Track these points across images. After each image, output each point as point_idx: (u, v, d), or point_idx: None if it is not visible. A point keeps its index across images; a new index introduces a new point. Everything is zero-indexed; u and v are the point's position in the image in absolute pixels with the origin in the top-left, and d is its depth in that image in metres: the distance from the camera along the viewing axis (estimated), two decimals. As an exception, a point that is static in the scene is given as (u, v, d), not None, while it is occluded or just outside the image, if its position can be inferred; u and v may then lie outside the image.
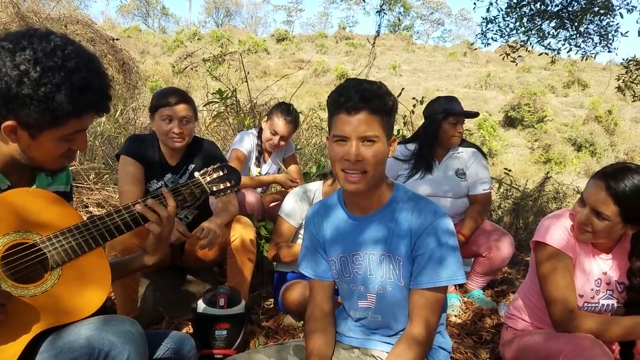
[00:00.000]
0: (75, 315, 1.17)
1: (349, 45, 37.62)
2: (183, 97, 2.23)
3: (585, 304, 1.68)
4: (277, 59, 31.80)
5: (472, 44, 9.97)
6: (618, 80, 6.29)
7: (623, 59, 6.19)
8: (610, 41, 5.79)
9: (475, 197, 2.88)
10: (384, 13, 6.65)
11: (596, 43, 5.89)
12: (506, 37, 6.18)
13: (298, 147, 5.16)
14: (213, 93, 4.63)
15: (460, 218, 2.88)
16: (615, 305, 1.69)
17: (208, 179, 1.47)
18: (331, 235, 1.49)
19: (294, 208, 2.40)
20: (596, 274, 1.68)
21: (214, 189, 1.47)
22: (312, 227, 1.53)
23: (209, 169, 1.49)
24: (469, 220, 2.80)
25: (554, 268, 1.64)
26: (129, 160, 2.21)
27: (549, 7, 5.65)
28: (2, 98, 1.04)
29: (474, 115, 2.92)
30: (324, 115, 7.78)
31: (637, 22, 5.25)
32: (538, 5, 5.65)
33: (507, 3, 5.81)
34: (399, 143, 1.35)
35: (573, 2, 5.59)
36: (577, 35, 5.84)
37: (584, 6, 5.47)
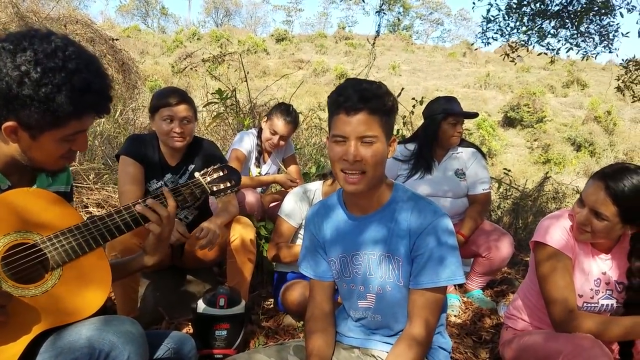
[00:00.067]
0: (76, 316, 1.17)
1: (348, 45, 37.63)
2: (183, 97, 2.23)
3: (585, 304, 1.69)
4: (276, 59, 31.81)
5: (472, 44, 9.99)
6: (618, 80, 6.29)
7: (622, 60, 6.20)
8: (611, 41, 5.79)
9: (474, 197, 2.88)
10: (384, 13, 6.64)
11: (597, 43, 5.89)
12: (506, 36, 6.19)
13: (298, 147, 5.16)
14: (213, 93, 4.63)
15: (460, 218, 2.88)
16: (615, 305, 1.70)
17: (208, 179, 1.47)
18: (331, 235, 1.49)
19: (293, 208, 2.40)
20: (595, 274, 1.69)
21: (214, 189, 1.47)
22: (312, 228, 1.54)
23: (209, 169, 1.49)
24: (469, 220, 2.80)
25: (554, 268, 1.64)
26: (129, 161, 2.21)
27: (549, 7, 5.65)
28: (3, 99, 1.05)
29: (474, 115, 2.92)
30: (324, 115, 7.79)
31: (637, 22, 5.25)
32: (538, 4, 5.65)
33: (507, 3, 5.82)
34: (398, 143, 1.35)
35: (573, 2, 5.59)
36: (578, 35, 5.84)
37: (584, 5, 5.48)
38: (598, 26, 5.78)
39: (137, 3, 54.50)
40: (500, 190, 5.56)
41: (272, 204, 3.12)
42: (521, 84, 28.41)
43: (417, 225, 1.35)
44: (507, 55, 6.26)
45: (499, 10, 5.92)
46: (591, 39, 5.91)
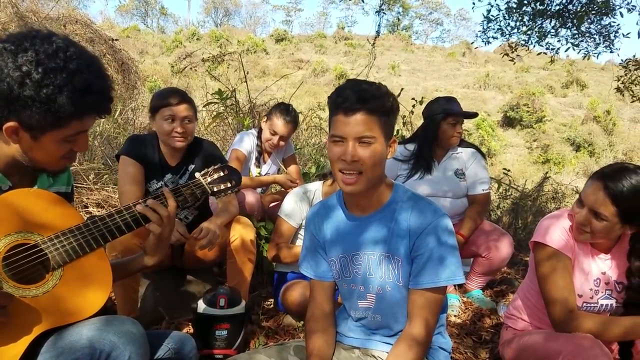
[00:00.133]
0: (77, 316, 1.17)
1: (347, 46, 37.61)
2: (184, 97, 2.23)
3: (584, 304, 1.69)
4: (276, 59, 31.79)
5: (472, 43, 9.99)
6: (617, 81, 6.30)
7: (622, 60, 6.21)
8: (612, 41, 5.80)
9: (474, 197, 2.89)
10: (383, 13, 6.64)
11: (598, 43, 5.90)
12: (507, 36, 6.19)
13: (297, 147, 5.16)
14: (213, 93, 4.63)
15: (460, 218, 2.88)
16: (614, 305, 1.70)
17: (209, 179, 1.47)
18: (331, 235, 1.49)
19: (293, 208, 2.40)
20: (595, 274, 1.69)
21: (215, 189, 1.47)
22: (312, 228, 1.54)
23: (209, 169, 1.49)
24: (468, 220, 2.80)
25: (553, 268, 1.64)
26: (129, 161, 2.21)
27: (550, 7, 5.66)
28: (4, 99, 1.05)
29: (473, 115, 2.92)
30: (323, 115, 7.80)
31: (637, 23, 5.26)
32: (538, 4, 5.65)
33: (507, 4, 5.82)
34: (398, 143, 1.35)
35: (574, 1, 5.60)
36: (579, 35, 5.85)
37: (584, 5, 5.48)
38: (599, 26, 5.79)
39: (136, 3, 54.46)
40: (500, 190, 5.57)
41: (272, 204, 3.13)
42: (520, 84, 28.41)
43: (417, 225, 1.35)
44: (507, 54, 6.27)
45: (499, 10, 5.93)
46: (592, 39, 5.91)
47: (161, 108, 2.20)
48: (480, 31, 6.28)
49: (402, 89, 5.61)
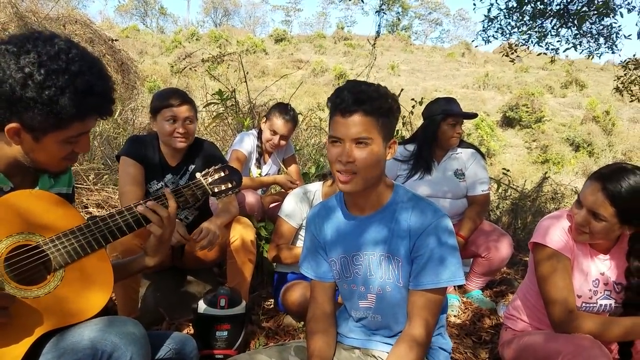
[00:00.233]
0: (78, 317, 1.18)
1: (347, 46, 37.60)
2: (185, 98, 2.24)
3: (584, 304, 1.69)
4: (275, 59, 31.77)
5: (472, 41, 10.01)
6: (616, 81, 6.31)
7: (621, 60, 6.22)
8: (614, 42, 5.80)
9: (474, 197, 2.89)
10: (383, 13, 6.64)
11: (600, 44, 5.91)
12: (507, 35, 6.20)
13: (297, 147, 5.17)
14: (213, 94, 4.63)
15: (459, 219, 2.89)
16: (613, 305, 1.71)
17: (209, 180, 1.47)
18: (331, 236, 1.50)
19: (294, 209, 2.41)
20: (594, 274, 1.70)
21: (216, 190, 1.47)
22: (312, 228, 1.54)
23: (210, 169, 1.49)
24: (468, 221, 2.81)
25: (553, 269, 1.65)
26: (130, 161, 2.21)
27: (550, 6, 5.66)
28: (6, 101, 1.05)
29: (473, 116, 2.93)
30: (323, 115, 7.80)
31: (636, 24, 5.27)
32: (538, 4, 5.66)
33: (506, 4, 5.83)
34: (398, 144, 1.35)
35: (575, 1, 5.60)
36: (580, 35, 5.85)
37: (584, 5, 5.48)
38: (600, 26, 5.80)
39: (135, 3, 54.44)
40: (499, 190, 5.57)
41: (272, 205, 3.13)
42: (520, 84, 28.42)
43: (417, 225, 1.35)
44: (507, 55, 6.28)
45: (500, 10, 5.94)
46: (593, 39, 5.92)
47: (162, 109, 2.20)
48: (480, 30, 6.29)
49: (401, 89, 5.61)
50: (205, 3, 61.34)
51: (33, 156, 1.17)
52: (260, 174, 3.19)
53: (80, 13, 8.90)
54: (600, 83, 29.47)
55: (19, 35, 1.08)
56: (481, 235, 2.82)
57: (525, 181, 6.74)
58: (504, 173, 5.39)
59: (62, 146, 1.16)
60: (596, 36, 5.89)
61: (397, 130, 5.06)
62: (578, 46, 5.95)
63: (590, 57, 6.09)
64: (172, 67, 18.77)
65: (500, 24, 6.08)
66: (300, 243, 2.47)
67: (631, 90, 6.38)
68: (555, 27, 5.89)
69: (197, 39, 33.46)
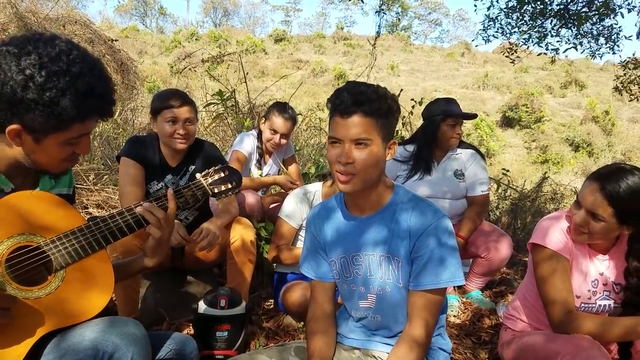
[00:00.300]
0: (79, 317, 1.18)
1: (347, 46, 37.60)
2: (185, 99, 2.24)
3: (582, 305, 1.70)
4: (275, 59, 31.77)
5: (472, 41, 10.02)
6: (616, 80, 6.31)
7: (621, 60, 6.22)
8: (614, 43, 5.81)
9: (473, 198, 2.90)
10: (383, 13, 6.65)
11: (601, 44, 5.92)
12: (507, 35, 6.21)
13: (297, 148, 5.17)
14: (213, 94, 4.64)
15: (459, 219, 2.89)
16: (613, 305, 1.71)
17: (209, 180, 1.47)
18: (331, 236, 1.50)
19: (294, 209, 2.41)
20: (593, 275, 1.70)
21: (215, 190, 1.48)
22: (312, 229, 1.55)
23: (210, 170, 1.50)
24: (467, 221, 2.81)
25: (552, 270, 1.65)
26: (130, 162, 2.22)
27: (550, 6, 5.67)
28: (7, 102, 1.05)
29: (472, 117, 2.93)
30: (323, 115, 7.80)
31: (635, 25, 5.28)
32: (538, 3, 5.66)
33: (506, 3, 5.84)
34: (398, 144, 1.36)
35: (576, 1, 5.61)
36: (581, 36, 5.86)
37: (585, 5, 5.49)
38: (600, 27, 5.80)
39: (135, 3, 54.42)
40: (499, 190, 5.58)
41: (272, 205, 3.13)
42: (519, 84, 28.43)
43: (417, 226, 1.36)
44: (508, 56, 6.28)
45: (500, 10, 5.95)
46: (594, 40, 5.93)
47: (163, 110, 2.21)
48: (481, 30, 6.30)
49: (401, 89, 5.61)
50: (205, 3, 61.38)
51: (34, 157, 1.17)
52: (261, 175, 3.19)
53: (80, 13, 8.90)
54: (600, 83, 29.49)
55: (19, 37, 1.09)
56: (481, 235, 2.82)
57: (524, 181, 6.75)
58: (503, 173, 5.40)
59: (62, 147, 1.17)
60: (597, 37, 5.90)
61: (397, 131, 5.06)
62: (579, 46, 5.96)
63: (592, 57, 6.09)
64: (172, 67, 18.78)
65: (500, 24, 6.10)
66: (300, 244, 2.48)
67: (630, 90, 6.39)
68: (555, 27, 5.90)
69: (196, 39, 33.46)
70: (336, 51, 36.71)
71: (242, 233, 2.23)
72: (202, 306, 1.99)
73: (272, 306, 2.63)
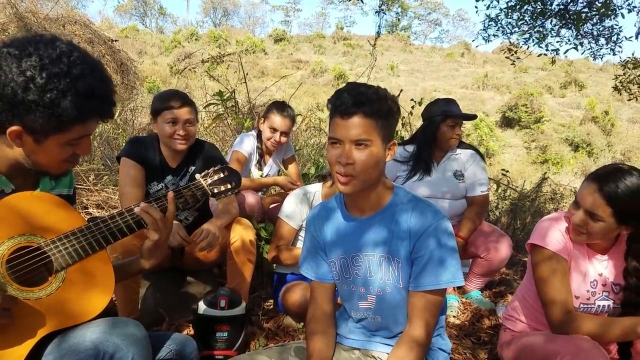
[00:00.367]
0: (80, 318, 1.18)
1: (346, 46, 37.59)
2: (185, 100, 2.25)
3: (582, 305, 1.70)
4: (274, 59, 31.76)
5: (472, 41, 10.06)
6: (615, 79, 6.32)
7: (620, 59, 6.23)
8: (615, 44, 5.81)
9: (473, 198, 2.90)
10: (383, 13, 6.65)
11: (602, 44, 5.92)
12: (508, 34, 6.21)
13: (297, 148, 5.17)
14: (213, 95, 4.64)
15: (459, 219, 2.89)
16: (612, 306, 1.71)
17: (209, 180, 1.48)
18: (331, 237, 1.50)
19: (294, 210, 2.41)
20: (592, 275, 1.70)
21: (215, 190, 1.48)
22: (312, 229, 1.55)
23: (209, 170, 1.50)
24: (467, 221, 2.81)
25: (551, 271, 1.65)
26: (130, 163, 2.22)
27: (550, 6, 5.67)
28: (8, 104, 1.06)
29: (472, 117, 2.94)
30: (322, 115, 7.81)
31: (634, 25, 5.29)
32: (538, 4, 5.67)
33: (506, 3, 5.85)
34: (397, 144, 1.37)
35: (575, 1, 5.61)
36: (581, 36, 5.86)
37: (585, 5, 5.49)
38: (601, 27, 5.80)
39: (135, 3, 54.39)
40: (499, 191, 5.58)
41: (272, 206, 3.13)
42: (519, 84, 28.42)
43: (417, 227, 1.36)
44: (508, 57, 6.29)
45: (500, 10, 5.96)
46: (594, 40, 5.93)
47: (163, 111, 2.21)
48: (481, 29, 6.31)
49: (401, 89, 5.62)
50: (205, 3, 61.35)
51: (34, 158, 1.18)
52: (261, 175, 3.20)
53: (80, 13, 8.91)
54: (600, 83, 29.49)
55: (20, 39, 1.09)
56: (480, 236, 2.83)
57: (524, 181, 6.76)
58: (503, 174, 5.40)
59: (63, 148, 1.17)
60: (597, 37, 5.90)
61: (397, 131, 5.06)
62: (579, 47, 5.96)
63: (594, 58, 6.09)
64: (172, 67, 18.78)
65: (500, 24, 6.10)
66: (300, 244, 2.48)
67: (630, 89, 6.39)
68: (555, 27, 5.90)
69: (196, 39, 33.44)
70: (336, 51, 36.70)
71: (242, 233, 2.23)
72: (202, 307, 2.00)
73: (271, 306, 2.63)
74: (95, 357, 1.10)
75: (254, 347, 2.18)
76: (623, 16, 5.47)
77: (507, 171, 5.48)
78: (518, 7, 5.75)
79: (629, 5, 5.52)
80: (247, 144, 3.10)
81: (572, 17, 5.58)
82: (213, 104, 4.74)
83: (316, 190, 2.48)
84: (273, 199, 3.18)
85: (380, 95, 1.31)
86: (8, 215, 1.15)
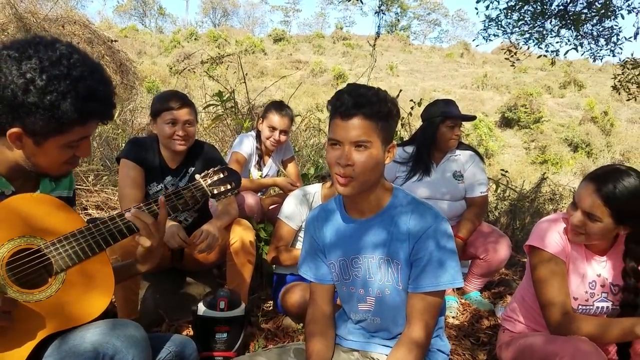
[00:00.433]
0: (80, 320, 1.19)
1: (346, 46, 37.58)
2: (185, 100, 2.25)
3: (580, 307, 1.70)
4: (274, 59, 31.75)
5: (473, 40, 10.07)
6: (614, 79, 6.32)
7: (620, 59, 6.23)
8: (615, 45, 5.81)
9: (472, 199, 2.90)
10: (383, 14, 6.65)
11: (602, 45, 5.92)
12: (508, 34, 6.21)
13: (296, 148, 5.17)
14: (212, 95, 4.64)
15: (458, 220, 2.90)
16: (610, 307, 1.71)
17: (209, 181, 1.48)
18: (331, 238, 1.50)
19: (294, 211, 2.42)
20: (590, 276, 1.70)
21: (215, 191, 1.48)
22: (312, 231, 1.55)
23: (209, 171, 1.50)
24: (467, 222, 2.81)
25: (549, 272, 1.66)
26: (130, 164, 2.22)
27: (549, 7, 5.67)
28: (8, 106, 1.06)
29: (471, 119, 2.94)
30: (322, 116, 7.80)
31: (633, 25, 5.29)
32: (538, 4, 5.67)
33: (506, 3, 5.85)
34: (397, 145, 1.37)
35: (575, 1, 5.61)
36: (581, 37, 5.87)
37: (585, 6, 5.50)
38: (601, 28, 5.81)
39: (134, 3, 54.32)
40: (498, 191, 5.59)
41: (271, 207, 3.14)
42: (518, 84, 28.43)
43: (417, 228, 1.36)
44: (508, 58, 6.29)
45: (500, 10, 5.96)
46: (594, 41, 5.93)
47: (162, 112, 2.21)
48: (481, 29, 6.31)
49: (400, 90, 5.62)
50: (204, 3, 61.30)
51: (34, 160, 1.18)
52: (260, 176, 3.20)
53: (79, 13, 8.90)
54: (599, 83, 29.50)
55: (20, 41, 1.09)
56: (480, 236, 2.83)
57: (523, 182, 6.76)
58: (502, 174, 5.40)
59: (63, 150, 1.17)
60: (597, 38, 5.90)
61: (396, 132, 5.06)
62: (579, 47, 5.96)
63: (594, 59, 6.09)
64: (171, 68, 18.77)
65: (500, 24, 6.11)
66: (299, 245, 2.48)
67: (629, 89, 6.39)
68: (555, 27, 5.91)
69: (195, 39, 33.42)
70: (335, 51, 36.69)
71: (241, 234, 2.23)
72: (201, 308, 1.99)
73: (271, 307, 2.63)
74: (95, 359, 1.10)
75: (253, 348, 2.18)
76: (623, 17, 5.48)
77: (507, 171, 5.49)
78: (518, 7, 5.75)
79: (628, 6, 5.52)
80: (246, 145, 3.10)
81: (571, 18, 5.58)
82: (212, 104, 4.74)
83: (316, 191, 2.48)
84: (272, 200, 3.18)
85: (381, 97, 1.31)
86: (8, 217, 1.15)
